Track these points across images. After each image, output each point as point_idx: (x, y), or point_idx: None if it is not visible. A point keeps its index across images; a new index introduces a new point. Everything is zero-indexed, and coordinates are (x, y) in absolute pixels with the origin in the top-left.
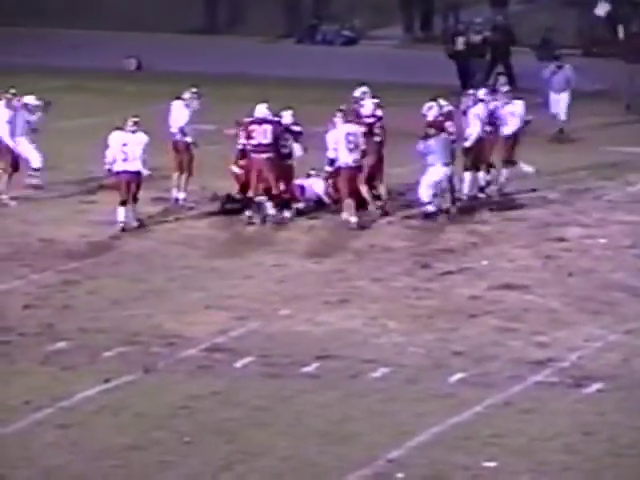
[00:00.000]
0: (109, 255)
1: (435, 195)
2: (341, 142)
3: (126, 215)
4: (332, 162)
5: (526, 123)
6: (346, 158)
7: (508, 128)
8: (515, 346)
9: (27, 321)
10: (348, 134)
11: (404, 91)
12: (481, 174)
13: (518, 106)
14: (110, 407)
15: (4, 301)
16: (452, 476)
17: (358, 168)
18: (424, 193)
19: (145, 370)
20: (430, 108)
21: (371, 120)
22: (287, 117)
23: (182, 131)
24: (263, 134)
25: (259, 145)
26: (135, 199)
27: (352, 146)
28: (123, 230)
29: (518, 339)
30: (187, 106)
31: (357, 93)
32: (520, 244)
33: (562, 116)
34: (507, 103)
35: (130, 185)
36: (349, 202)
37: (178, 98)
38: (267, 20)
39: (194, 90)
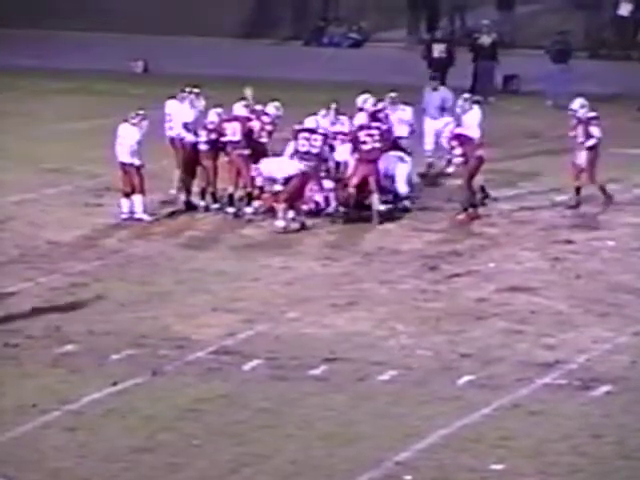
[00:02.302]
0: (116, 258)
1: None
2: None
3: (130, 207)
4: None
5: (412, 132)
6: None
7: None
8: (523, 348)
9: (35, 324)
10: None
11: (410, 93)
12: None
13: (407, 112)
14: (118, 410)
15: (12, 304)
16: (460, 478)
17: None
18: (403, 188)
19: (153, 373)
20: (365, 101)
21: (356, 127)
22: (271, 109)
23: (186, 127)
24: (232, 132)
25: (230, 142)
26: (141, 191)
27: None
28: (125, 220)
29: (526, 341)
30: (193, 107)
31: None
32: (528, 246)
33: (429, 147)
34: (396, 109)
35: (129, 176)
36: (285, 206)
37: (172, 97)
38: (274, 22)
39: (196, 91)
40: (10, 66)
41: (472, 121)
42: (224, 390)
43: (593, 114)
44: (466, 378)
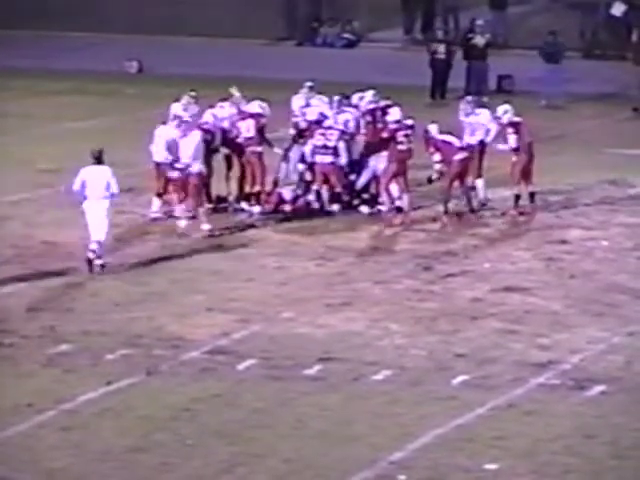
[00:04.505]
0: (111, 258)
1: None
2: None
3: (159, 206)
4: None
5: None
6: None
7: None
8: (517, 348)
9: (30, 324)
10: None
11: (404, 93)
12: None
13: (485, 115)
14: (112, 409)
15: (7, 304)
16: (454, 478)
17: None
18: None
19: (147, 372)
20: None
21: (395, 127)
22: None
23: None
24: (247, 128)
25: (245, 139)
26: (163, 191)
27: (198, 154)
28: (153, 220)
29: (520, 341)
30: (185, 110)
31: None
32: (522, 246)
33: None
34: (473, 113)
35: (160, 176)
36: (204, 210)
37: (176, 100)
38: (267, 23)
39: (192, 94)
40: (6, 67)
41: (481, 122)
42: (218, 390)
43: (516, 120)
44: (460, 378)
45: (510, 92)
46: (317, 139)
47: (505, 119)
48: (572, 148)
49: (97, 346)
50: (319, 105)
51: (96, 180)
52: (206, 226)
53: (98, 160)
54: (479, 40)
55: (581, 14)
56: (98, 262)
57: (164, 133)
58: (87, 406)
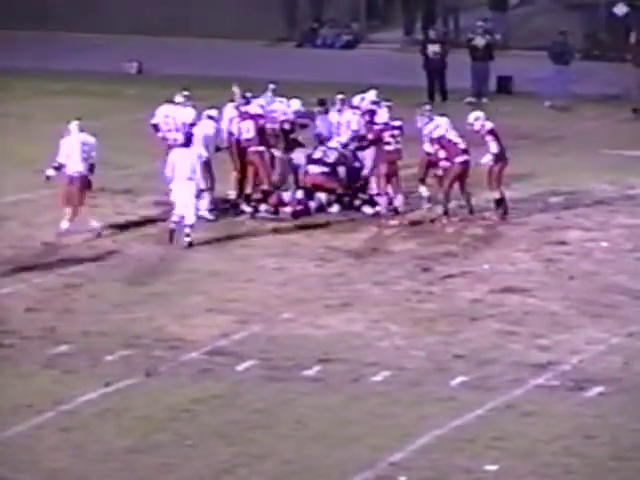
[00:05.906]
0: (111, 258)
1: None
2: (76, 150)
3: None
4: (59, 168)
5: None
6: (78, 167)
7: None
8: (516, 349)
9: (29, 324)
10: (83, 143)
11: (404, 94)
12: None
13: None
14: (112, 410)
15: (6, 304)
16: (454, 479)
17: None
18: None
19: (147, 373)
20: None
21: (381, 127)
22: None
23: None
24: (246, 129)
25: (246, 140)
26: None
27: (85, 155)
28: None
29: (519, 342)
30: (184, 106)
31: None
32: (521, 247)
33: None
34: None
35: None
36: (70, 210)
37: (169, 102)
38: (267, 23)
39: (185, 93)
40: (7, 67)
41: (438, 132)
42: (218, 391)
43: (489, 127)
44: (460, 379)
45: (510, 93)
46: (316, 152)
47: (477, 125)
48: (572, 149)
49: (97, 347)
50: (283, 109)
51: (183, 162)
52: (65, 225)
53: (187, 142)
54: (479, 41)
55: (582, 15)
56: (187, 239)
57: (199, 131)
58: (87, 407)
